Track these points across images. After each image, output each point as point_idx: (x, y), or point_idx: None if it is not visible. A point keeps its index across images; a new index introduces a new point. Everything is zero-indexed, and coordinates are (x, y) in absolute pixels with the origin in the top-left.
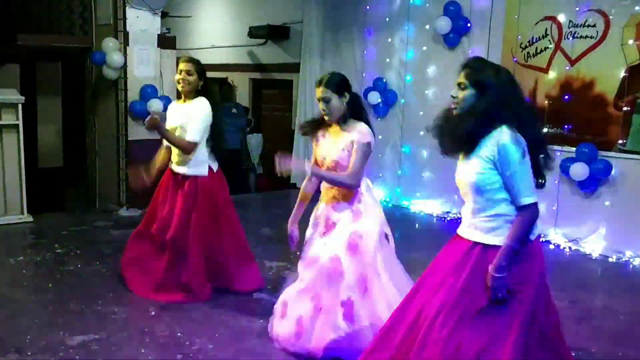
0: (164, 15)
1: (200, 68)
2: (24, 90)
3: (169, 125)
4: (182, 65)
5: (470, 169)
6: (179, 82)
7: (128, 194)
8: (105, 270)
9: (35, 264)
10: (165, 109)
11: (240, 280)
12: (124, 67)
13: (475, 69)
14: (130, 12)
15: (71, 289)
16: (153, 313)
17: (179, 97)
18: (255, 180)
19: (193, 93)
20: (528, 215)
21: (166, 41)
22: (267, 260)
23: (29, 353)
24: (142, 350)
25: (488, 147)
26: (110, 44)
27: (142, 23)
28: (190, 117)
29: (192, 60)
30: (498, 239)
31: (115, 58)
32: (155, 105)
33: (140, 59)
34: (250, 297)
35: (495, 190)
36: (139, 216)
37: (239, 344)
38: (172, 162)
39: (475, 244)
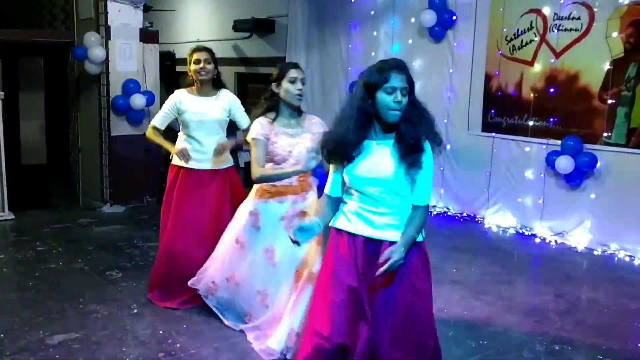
0: (147, 9)
1: (215, 57)
2: (6, 86)
3: (200, 117)
4: (199, 55)
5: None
6: (199, 73)
7: (111, 190)
8: (88, 268)
9: (15, 262)
10: (148, 104)
11: None
12: (106, 62)
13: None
14: (112, 6)
15: (52, 287)
16: (135, 311)
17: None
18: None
19: (210, 83)
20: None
21: (149, 35)
22: None
23: (8, 353)
24: (124, 349)
25: None
26: (92, 39)
27: (124, 17)
28: (235, 108)
29: (207, 48)
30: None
31: (97, 53)
32: (138, 100)
33: (122, 54)
34: None
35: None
36: (121, 213)
37: (221, 341)
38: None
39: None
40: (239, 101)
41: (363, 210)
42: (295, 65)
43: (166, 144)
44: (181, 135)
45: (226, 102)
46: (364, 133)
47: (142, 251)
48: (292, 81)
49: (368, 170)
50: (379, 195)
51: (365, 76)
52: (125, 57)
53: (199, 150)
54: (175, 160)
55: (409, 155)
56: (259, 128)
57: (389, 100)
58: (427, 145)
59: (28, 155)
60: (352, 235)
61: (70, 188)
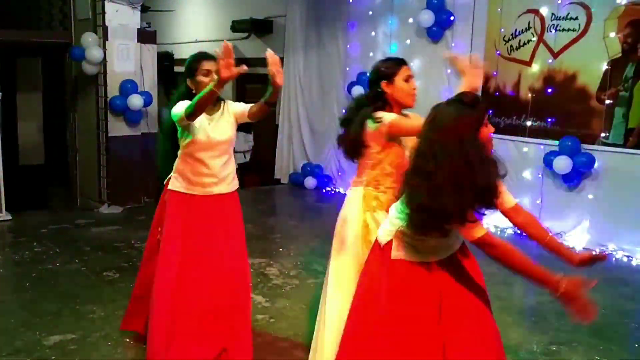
0: (145, 9)
1: None
2: (4, 86)
3: (208, 138)
4: (209, 64)
5: None
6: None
7: (109, 191)
8: (85, 268)
9: (13, 263)
10: (146, 104)
11: None
12: (104, 63)
13: None
14: (110, 7)
15: (49, 288)
16: None
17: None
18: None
19: None
20: None
21: (146, 36)
22: (249, 257)
23: (4, 354)
24: (120, 350)
25: None
26: (89, 39)
27: (121, 17)
28: (235, 110)
29: (214, 57)
30: None
31: (95, 53)
32: (136, 101)
33: (120, 54)
34: None
35: None
36: (119, 213)
37: None
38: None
39: None
40: (239, 103)
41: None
42: (405, 62)
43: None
44: (182, 156)
45: (230, 115)
46: None
47: (139, 252)
48: (407, 79)
49: None
50: None
51: (465, 116)
52: (123, 58)
53: (204, 173)
54: (173, 185)
55: None
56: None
57: (489, 132)
58: None
59: (26, 156)
60: (427, 264)
61: (68, 189)
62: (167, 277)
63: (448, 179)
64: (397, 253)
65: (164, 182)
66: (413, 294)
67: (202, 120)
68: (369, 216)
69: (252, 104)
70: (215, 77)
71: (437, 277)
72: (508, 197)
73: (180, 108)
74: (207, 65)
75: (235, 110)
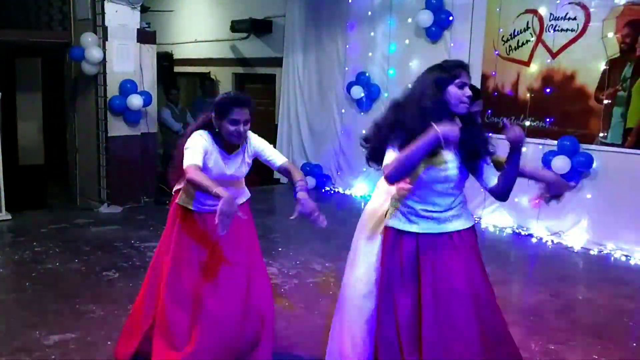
0: (145, 9)
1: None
2: (4, 86)
3: (222, 175)
4: (239, 113)
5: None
6: (231, 135)
7: (108, 190)
8: (84, 268)
9: (13, 263)
10: (145, 104)
11: None
12: (103, 63)
13: None
14: (109, 7)
15: (49, 287)
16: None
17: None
18: None
19: None
20: None
21: (146, 36)
22: None
23: (4, 353)
24: None
25: None
26: (89, 39)
27: (121, 18)
28: (263, 153)
29: (249, 102)
30: None
31: (94, 53)
32: (135, 101)
33: (119, 54)
34: None
35: None
36: (119, 213)
37: None
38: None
39: None
40: (263, 141)
41: (426, 211)
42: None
43: (215, 189)
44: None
45: (251, 154)
46: None
47: (139, 251)
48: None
49: (439, 168)
50: (446, 192)
51: (434, 74)
52: (123, 58)
53: (211, 198)
54: (182, 199)
55: (476, 150)
56: None
57: (461, 94)
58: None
59: (26, 156)
60: (415, 235)
61: (67, 188)
62: (175, 302)
63: (403, 118)
64: (387, 220)
65: (173, 192)
66: (395, 259)
67: (217, 159)
68: None
69: (282, 164)
70: (223, 194)
71: (423, 250)
72: (490, 175)
73: (191, 153)
74: (237, 114)
75: (257, 152)
